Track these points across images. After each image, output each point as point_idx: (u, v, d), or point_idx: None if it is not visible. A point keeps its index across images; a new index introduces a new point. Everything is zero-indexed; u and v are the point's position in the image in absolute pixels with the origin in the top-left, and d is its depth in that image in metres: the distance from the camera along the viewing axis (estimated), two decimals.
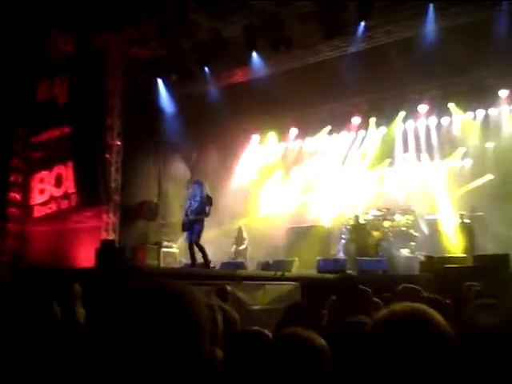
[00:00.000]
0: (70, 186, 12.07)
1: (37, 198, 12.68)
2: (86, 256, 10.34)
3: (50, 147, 12.57)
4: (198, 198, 8.72)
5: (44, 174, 12.65)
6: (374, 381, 1.21)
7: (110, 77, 11.93)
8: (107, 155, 11.70)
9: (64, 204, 12.24)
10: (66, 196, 12.22)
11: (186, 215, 8.83)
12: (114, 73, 11.96)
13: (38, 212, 12.62)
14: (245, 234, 11.91)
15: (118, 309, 1.05)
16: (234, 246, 11.81)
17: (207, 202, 8.73)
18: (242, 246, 11.73)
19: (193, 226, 8.73)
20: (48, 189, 12.58)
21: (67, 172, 12.13)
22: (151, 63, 11.85)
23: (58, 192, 12.39)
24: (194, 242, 8.75)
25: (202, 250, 8.79)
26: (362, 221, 11.26)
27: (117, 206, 11.66)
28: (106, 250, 8.23)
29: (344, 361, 2.34)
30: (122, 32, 11.17)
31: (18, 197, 12.74)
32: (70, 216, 12.07)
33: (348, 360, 2.25)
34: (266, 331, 2.57)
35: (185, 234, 9.14)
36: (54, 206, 12.41)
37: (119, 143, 11.91)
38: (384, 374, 1.19)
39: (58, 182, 12.39)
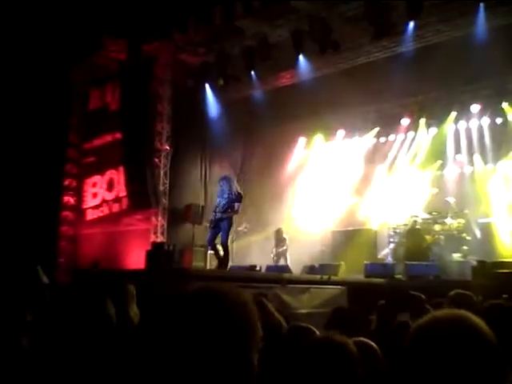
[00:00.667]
0: (121, 189, 12.41)
1: (89, 202, 13.10)
2: (136, 258, 10.61)
3: (103, 152, 12.98)
4: (226, 195, 8.23)
5: (96, 178, 13.07)
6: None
7: (159, 83, 12.20)
8: (156, 160, 11.96)
9: (115, 207, 12.60)
10: (117, 200, 12.57)
11: (215, 212, 8.36)
12: (164, 79, 12.23)
13: (91, 215, 13.04)
14: (284, 235, 11.79)
15: (170, 312, 1.10)
16: (274, 248, 11.73)
17: (236, 198, 8.23)
18: (283, 248, 11.63)
19: (219, 225, 8.22)
20: (100, 193, 12.98)
21: (119, 176, 12.48)
22: (199, 69, 12.03)
23: (109, 196, 12.77)
24: (222, 242, 8.27)
25: (226, 250, 8.29)
26: (418, 225, 10.96)
27: (165, 209, 11.91)
28: (155, 253, 8.41)
29: (395, 364, 2.31)
30: (171, 39, 11.41)
31: (71, 201, 13.23)
32: (121, 219, 12.40)
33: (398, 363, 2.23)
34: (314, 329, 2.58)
35: (212, 232, 8.48)
36: (105, 210, 12.80)
37: (168, 148, 12.15)
38: (424, 378, 1.19)
39: (110, 186, 12.76)
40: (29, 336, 2.26)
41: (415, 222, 10.95)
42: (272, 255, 11.63)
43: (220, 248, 8.44)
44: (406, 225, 11.27)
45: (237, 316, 1.08)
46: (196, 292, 1.10)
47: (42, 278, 3.50)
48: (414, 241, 10.66)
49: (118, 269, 10.07)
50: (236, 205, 8.19)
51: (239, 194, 8.36)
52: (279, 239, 11.71)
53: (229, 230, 8.32)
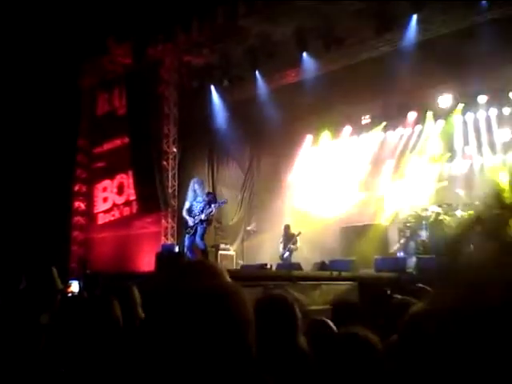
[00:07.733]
0: (131, 193, 12.48)
1: (100, 206, 13.19)
2: (148, 260, 10.67)
3: (112, 157, 13.06)
4: (200, 199, 8.45)
5: (107, 182, 13.15)
6: None
7: (165, 85, 12.26)
8: (164, 162, 12.02)
9: (126, 211, 12.67)
10: (127, 203, 12.65)
11: (191, 217, 8.44)
12: (169, 81, 12.28)
13: (102, 219, 13.13)
14: (293, 231, 11.23)
15: (169, 307, 1.14)
16: (282, 244, 11.15)
17: (211, 199, 8.45)
18: (294, 245, 11.06)
19: (197, 229, 8.37)
20: (111, 197, 13.06)
21: (128, 180, 12.56)
22: (204, 70, 12.08)
23: (120, 200, 12.85)
24: (201, 248, 8.34)
25: (206, 254, 8.40)
26: (441, 217, 10.85)
27: (175, 211, 11.95)
28: (164, 254, 8.46)
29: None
30: (176, 41, 11.47)
31: (82, 206, 13.32)
32: (132, 222, 12.48)
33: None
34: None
35: (192, 238, 8.52)
36: (116, 213, 12.88)
37: (175, 150, 12.21)
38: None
39: (120, 190, 12.84)
40: (44, 337, 2.32)
41: (438, 213, 10.86)
42: (281, 251, 11.16)
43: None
44: (416, 218, 11.21)
45: (237, 312, 1.13)
46: (200, 290, 1.16)
47: (56, 282, 3.56)
48: (437, 233, 10.56)
49: (127, 272, 10.13)
50: (213, 206, 8.34)
51: (213, 194, 8.64)
52: (288, 235, 11.43)
53: (204, 234, 8.42)
